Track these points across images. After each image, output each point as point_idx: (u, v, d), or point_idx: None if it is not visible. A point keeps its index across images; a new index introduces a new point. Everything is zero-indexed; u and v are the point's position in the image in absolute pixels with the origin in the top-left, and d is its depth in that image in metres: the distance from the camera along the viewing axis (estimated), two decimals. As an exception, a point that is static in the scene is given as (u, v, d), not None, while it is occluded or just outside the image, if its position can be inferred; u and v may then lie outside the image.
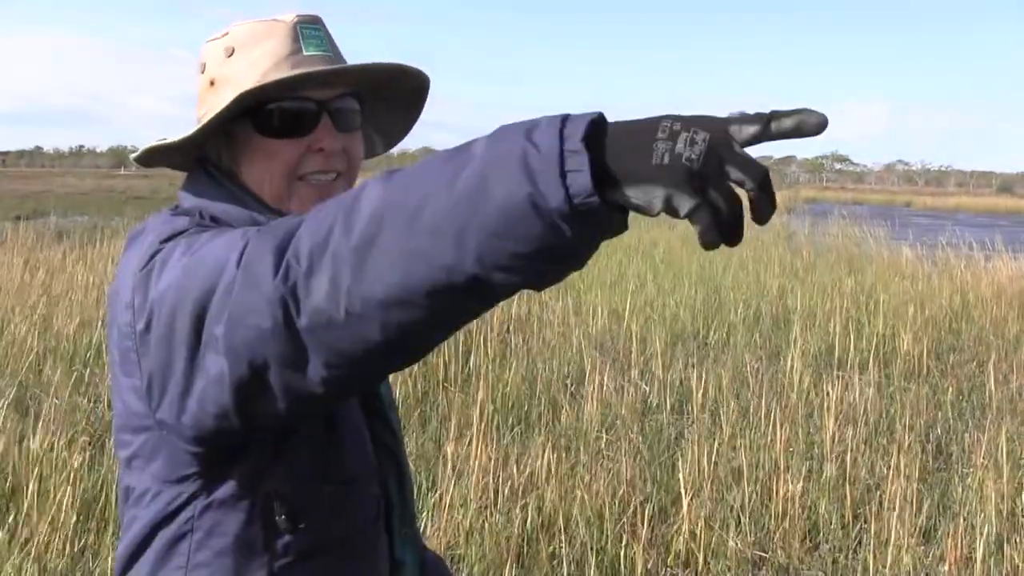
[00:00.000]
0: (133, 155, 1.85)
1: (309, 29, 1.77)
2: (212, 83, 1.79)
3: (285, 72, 1.70)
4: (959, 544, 5.27)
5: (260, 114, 1.74)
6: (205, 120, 1.70)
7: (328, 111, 1.76)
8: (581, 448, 6.86)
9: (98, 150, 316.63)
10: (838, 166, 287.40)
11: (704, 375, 8.52)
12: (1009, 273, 16.13)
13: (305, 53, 1.74)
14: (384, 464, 1.89)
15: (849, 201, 69.62)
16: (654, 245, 21.53)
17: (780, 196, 61.91)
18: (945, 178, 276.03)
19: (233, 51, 1.77)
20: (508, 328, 10.79)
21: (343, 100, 1.79)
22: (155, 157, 1.82)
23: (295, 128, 1.75)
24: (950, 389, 9.03)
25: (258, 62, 1.73)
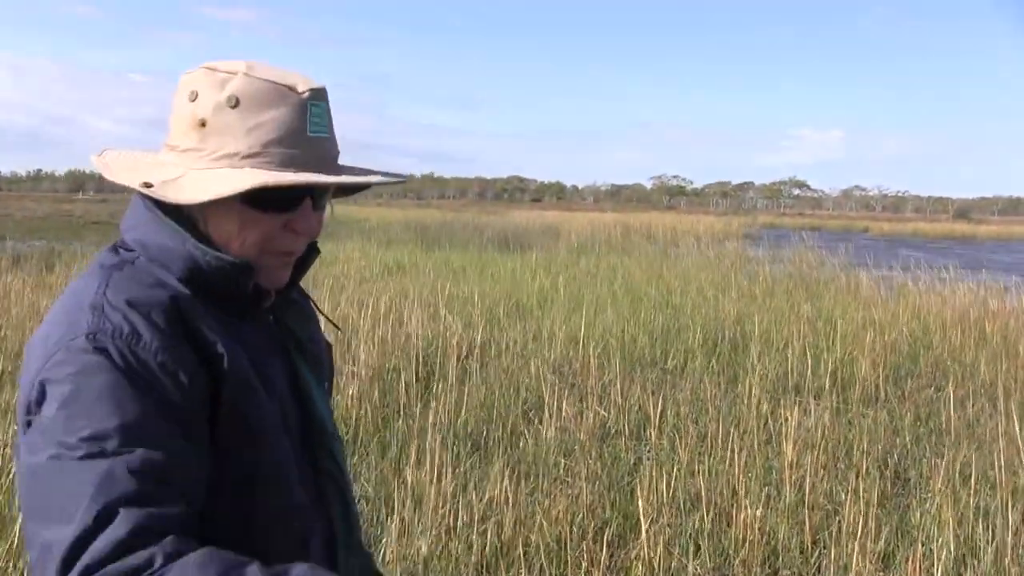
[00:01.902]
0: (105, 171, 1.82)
1: (317, 107, 1.75)
2: (203, 124, 1.74)
3: (286, 149, 1.70)
4: (918, 569, 5.29)
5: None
6: (199, 163, 1.71)
7: (311, 193, 1.76)
8: (540, 474, 6.85)
9: (56, 174, 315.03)
10: (796, 192, 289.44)
11: (662, 401, 8.53)
12: (967, 299, 16.25)
13: (309, 133, 1.73)
14: (328, 493, 1.89)
15: (807, 227, 70.06)
16: (613, 271, 21.59)
17: (738, 221, 62.28)
18: (902, 204, 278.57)
19: (238, 103, 1.72)
20: (467, 355, 10.78)
21: None
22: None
23: (281, 206, 1.74)
24: (908, 415, 9.08)
25: (262, 128, 1.70)
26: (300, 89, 1.73)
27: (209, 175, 1.69)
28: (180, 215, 1.76)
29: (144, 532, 1.41)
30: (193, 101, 1.76)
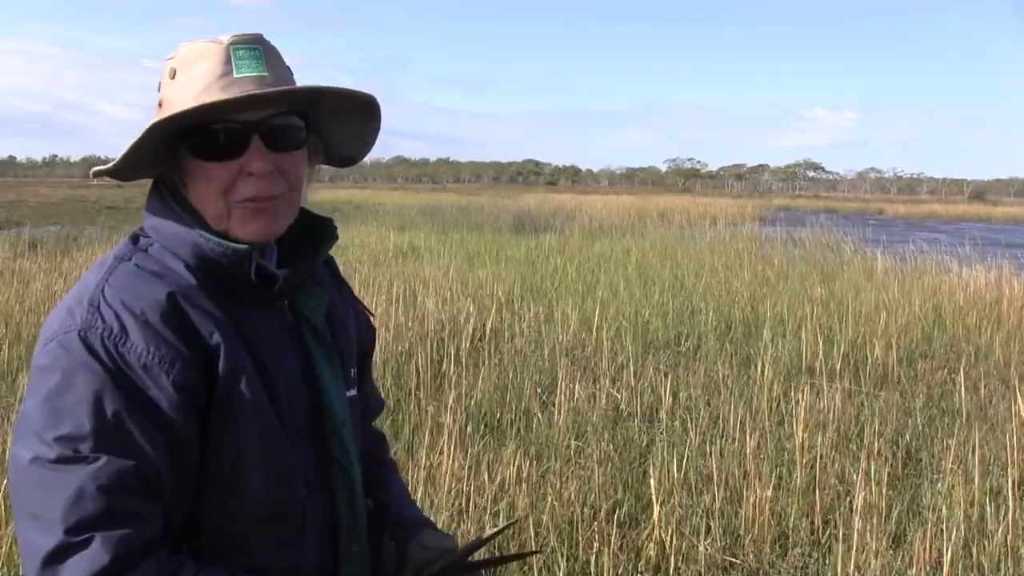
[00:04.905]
0: (96, 169, 1.86)
1: (243, 50, 1.76)
2: (160, 104, 1.81)
3: (214, 95, 1.70)
4: (927, 548, 5.30)
5: (192, 138, 1.75)
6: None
7: (259, 132, 1.76)
8: (552, 455, 6.88)
9: (71, 160, 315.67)
10: (811, 174, 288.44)
11: (675, 383, 8.55)
12: (982, 281, 16.20)
13: (236, 75, 1.73)
14: (336, 480, 1.91)
15: (822, 209, 69.77)
16: (627, 253, 21.58)
17: (753, 204, 62.09)
18: (917, 186, 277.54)
19: (175, 72, 1.78)
20: (480, 337, 10.80)
21: (278, 119, 1.78)
22: (123, 173, 1.82)
23: (223, 151, 1.75)
24: (920, 396, 9.07)
25: (192, 84, 1.73)
26: (224, 39, 1.76)
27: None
28: (185, 202, 1.81)
29: (122, 559, 1.50)
30: (158, 91, 1.83)
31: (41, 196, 62.31)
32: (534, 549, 5.39)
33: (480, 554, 2.13)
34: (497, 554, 2.06)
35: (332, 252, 2.06)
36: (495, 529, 2.06)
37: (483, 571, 2.07)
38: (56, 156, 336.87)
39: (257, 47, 1.78)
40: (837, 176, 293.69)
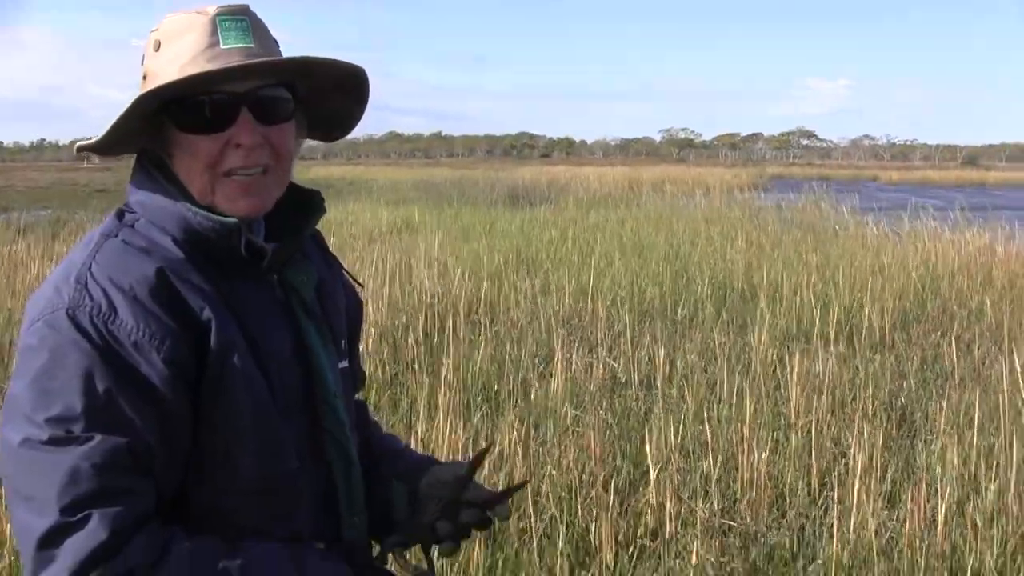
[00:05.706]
0: (81, 144, 1.85)
1: (229, 21, 1.74)
2: (144, 77, 1.79)
3: (200, 66, 1.69)
4: (921, 507, 5.35)
5: (178, 110, 1.74)
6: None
7: (247, 104, 1.75)
8: (550, 425, 6.92)
9: (60, 143, 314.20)
10: (804, 142, 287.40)
11: (672, 351, 8.59)
12: (974, 245, 16.24)
13: (223, 46, 1.72)
14: (330, 452, 1.91)
15: (816, 176, 69.30)
16: (621, 224, 21.59)
17: (747, 173, 61.93)
18: (911, 152, 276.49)
19: (160, 44, 1.77)
20: (476, 309, 10.84)
21: (266, 90, 1.78)
22: (107, 148, 1.82)
23: (211, 124, 1.74)
24: (914, 359, 9.13)
25: (178, 56, 1.72)
26: (209, 10, 1.75)
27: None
28: (170, 175, 1.80)
29: (119, 534, 1.51)
30: (142, 64, 1.82)
31: (30, 180, 61.97)
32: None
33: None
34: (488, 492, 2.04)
35: (327, 228, 2.06)
36: (513, 486, 2.13)
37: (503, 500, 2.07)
38: (44, 140, 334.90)
39: (244, 18, 1.77)
40: (831, 144, 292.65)
